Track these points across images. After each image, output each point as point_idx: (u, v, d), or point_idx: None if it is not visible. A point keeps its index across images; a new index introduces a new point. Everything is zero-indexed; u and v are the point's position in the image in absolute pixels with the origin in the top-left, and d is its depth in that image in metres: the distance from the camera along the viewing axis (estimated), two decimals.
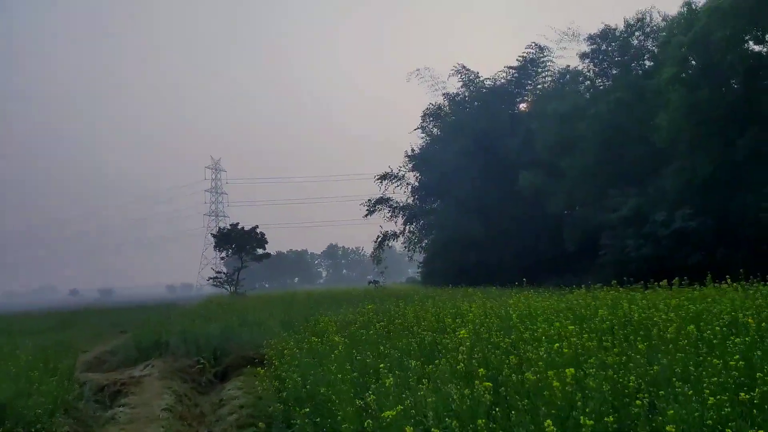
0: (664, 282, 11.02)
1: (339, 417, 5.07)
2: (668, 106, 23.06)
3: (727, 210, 23.95)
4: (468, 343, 6.24)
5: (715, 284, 10.57)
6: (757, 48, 23.17)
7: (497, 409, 4.52)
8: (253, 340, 12.50)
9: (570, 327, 6.50)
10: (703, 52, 22.96)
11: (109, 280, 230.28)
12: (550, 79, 45.32)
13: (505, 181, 40.08)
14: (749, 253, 21.89)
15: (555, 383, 4.36)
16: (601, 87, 36.36)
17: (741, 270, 11.48)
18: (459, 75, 48.43)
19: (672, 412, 3.86)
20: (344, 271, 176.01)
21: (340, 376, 5.84)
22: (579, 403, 4.27)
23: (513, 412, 4.41)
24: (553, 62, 45.00)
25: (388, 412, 4.27)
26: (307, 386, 6.13)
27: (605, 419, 3.94)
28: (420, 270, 50.63)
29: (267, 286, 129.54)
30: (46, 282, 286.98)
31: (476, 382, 4.73)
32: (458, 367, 5.60)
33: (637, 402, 4.24)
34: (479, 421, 4.05)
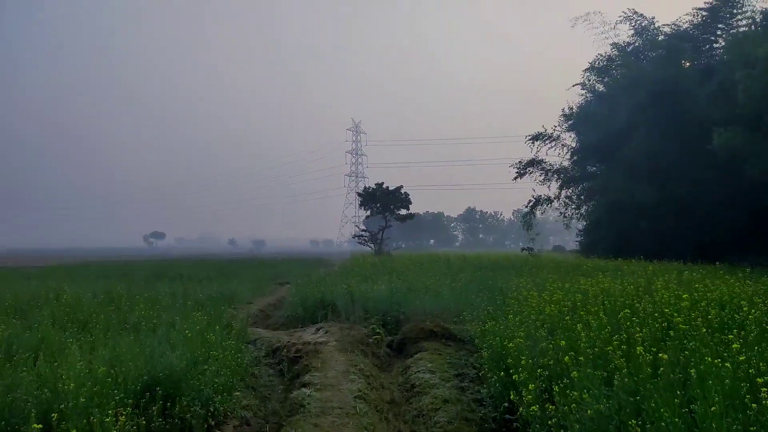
0: None
1: None
2: None
3: None
4: None
5: None
6: None
7: None
8: (427, 309, 11.00)
9: None
10: None
11: (260, 232, 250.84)
12: (747, 21, 38.03)
13: (689, 140, 34.52)
14: None
15: None
16: None
17: None
18: (630, 22, 42.71)
19: None
20: (480, 235, 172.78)
21: None
22: None
23: None
24: (753, 1, 37.57)
25: None
26: None
27: None
28: (580, 239, 46.47)
29: (403, 246, 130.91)
30: (207, 231, 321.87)
31: None
32: None
33: None
34: None
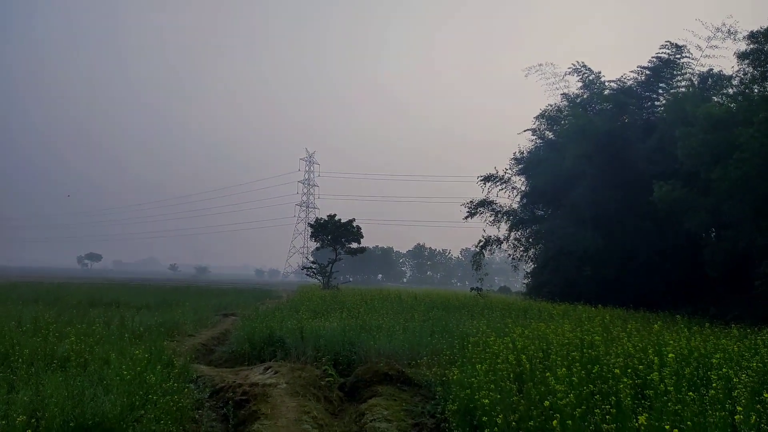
0: None
1: None
2: None
3: None
4: None
5: None
6: None
7: None
8: (381, 349, 10.62)
9: None
10: None
11: (204, 258, 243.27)
12: (686, 83, 40.69)
13: (631, 192, 36.09)
14: None
15: None
16: (757, 91, 31.63)
17: None
18: (578, 74, 44.92)
19: None
20: (428, 272, 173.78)
21: None
22: None
23: None
24: (692, 64, 40.31)
25: None
26: None
27: None
28: (527, 281, 47.18)
29: (351, 280, 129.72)
30: (149, 255, 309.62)
31: None
32: None
33: None
34: None
